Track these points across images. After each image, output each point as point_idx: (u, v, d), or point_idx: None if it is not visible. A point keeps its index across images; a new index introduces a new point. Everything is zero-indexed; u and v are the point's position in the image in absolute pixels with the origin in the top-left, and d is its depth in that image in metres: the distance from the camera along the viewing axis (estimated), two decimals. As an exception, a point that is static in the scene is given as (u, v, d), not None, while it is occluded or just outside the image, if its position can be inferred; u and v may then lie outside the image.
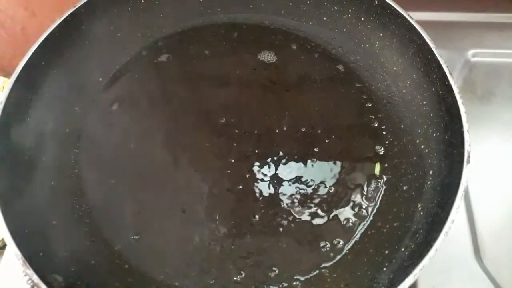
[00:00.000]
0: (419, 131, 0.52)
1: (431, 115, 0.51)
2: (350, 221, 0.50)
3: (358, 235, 0.49)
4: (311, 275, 0.47)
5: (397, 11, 0.54)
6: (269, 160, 0.53)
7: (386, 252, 0.46)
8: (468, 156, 0.44)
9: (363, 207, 0.50)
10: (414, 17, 0.53)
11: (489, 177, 0.58)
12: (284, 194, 0.51)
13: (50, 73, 0.54)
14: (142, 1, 0.61)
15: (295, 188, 0.51)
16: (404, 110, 0.55)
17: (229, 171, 0.53)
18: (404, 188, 0.50)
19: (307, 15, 0.62)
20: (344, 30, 0.61)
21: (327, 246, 0.48)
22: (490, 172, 0.58)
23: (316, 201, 0.51)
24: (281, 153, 0.54)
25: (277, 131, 0.55)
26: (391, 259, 0.45)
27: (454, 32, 0.69)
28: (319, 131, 0.55)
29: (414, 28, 0.52)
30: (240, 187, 0.52)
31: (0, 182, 0.46)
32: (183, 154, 0.55)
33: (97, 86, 0.59)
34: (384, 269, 0.45)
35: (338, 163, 0.53)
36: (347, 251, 0.48)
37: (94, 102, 0.58)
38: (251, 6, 0.64)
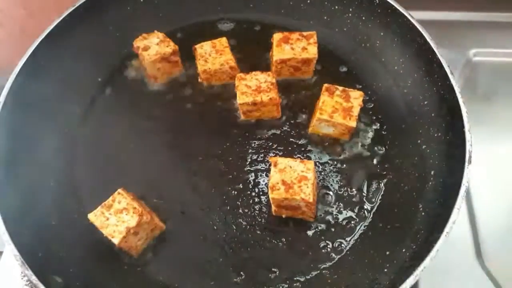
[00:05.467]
0: (420, 131, 0.52)
1: (433, 115, 0.51)
2: (351, 222, 0.49)
3: (359, 236, 0.49)
4: (311, 275, 0.47)
5: (398, 10, 0.54)
6: (269, 160, 0.53)
7: (387, 252, 0.46)
8: (470, 156, 0.44)
9: (364, 207, 0.50)
10: (415, 16, 0.53)
11: (490, 178, 0.58)
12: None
13: (49, 72, 0.54)
14: (141, 1, 0.61)
15: (296, 188, 0.51)
16: (405, 110, 0.54)
17: (229, 172, 0.53)
18: (405, 188, 0.50)
19: (308, 15, 0.62)
20: (345, 29, 0.61)
21: (328, 247, 0.48)
22: (492, 173, 0.58)
23: (317, 201, 0.50)
24: (281, 153, 0.54)
25: (278, 131, 0.55)
26: (392, 260, 0.45)
27: (456, 31, 0.69)
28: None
29: (415, 27, 0.52)
30: (240, 186, 0.52)
31: (0, 182, 0.46)
32: (182, 154, 0.54)
33: (96, 85, 0.59)
34: (385, 270, 0.45)
35: (339, 163, 0.53)
36: (348, 252, 0.48)
37: (93, 101, 0.58)
38: (251, 5, 0.64)
